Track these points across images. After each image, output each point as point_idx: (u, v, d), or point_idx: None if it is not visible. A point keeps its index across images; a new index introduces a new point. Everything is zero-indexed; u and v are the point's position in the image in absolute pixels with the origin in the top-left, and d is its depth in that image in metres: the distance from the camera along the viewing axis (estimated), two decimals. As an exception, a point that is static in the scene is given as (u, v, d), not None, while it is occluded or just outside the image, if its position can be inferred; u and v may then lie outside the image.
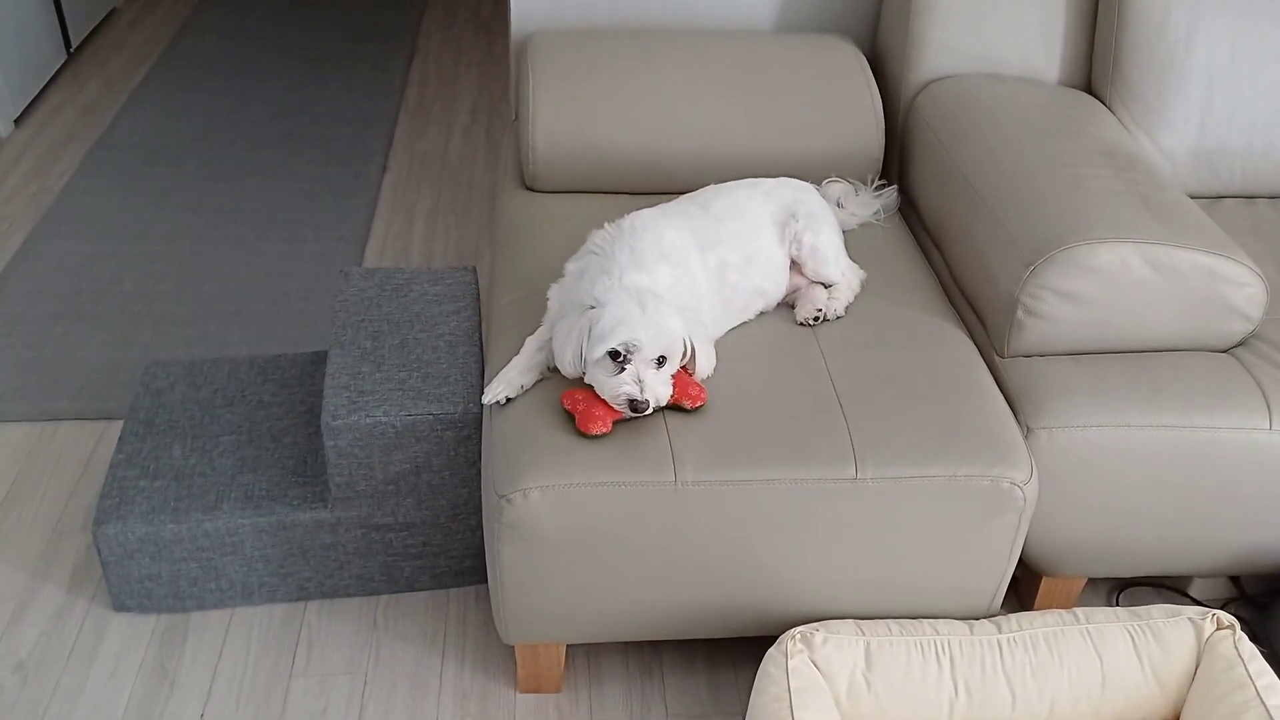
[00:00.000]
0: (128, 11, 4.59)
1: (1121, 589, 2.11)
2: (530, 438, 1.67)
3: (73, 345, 2.66)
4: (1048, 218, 1.86)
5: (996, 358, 1.91)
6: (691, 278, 1.80)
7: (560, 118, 2.25)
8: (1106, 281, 1.80)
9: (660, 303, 1.67)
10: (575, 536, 1.66)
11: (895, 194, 2.28)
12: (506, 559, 1.68)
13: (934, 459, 1.67)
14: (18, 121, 3.64)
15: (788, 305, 1.97)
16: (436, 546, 2.02)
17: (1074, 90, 2.33)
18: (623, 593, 1.73)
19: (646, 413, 1.64)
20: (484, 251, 3.07)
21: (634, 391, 1.62)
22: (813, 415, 1.72)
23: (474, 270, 2.27)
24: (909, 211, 2.32)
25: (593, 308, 1.68)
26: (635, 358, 1.63)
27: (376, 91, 3.96)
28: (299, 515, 1.94)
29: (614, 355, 1.64)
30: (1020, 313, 1.84)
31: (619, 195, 2.28)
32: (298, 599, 2.04)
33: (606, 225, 1.85)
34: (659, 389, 1.65)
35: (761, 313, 1.95)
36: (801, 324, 1.91)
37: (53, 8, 3.91)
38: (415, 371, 1.96)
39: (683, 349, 1.69)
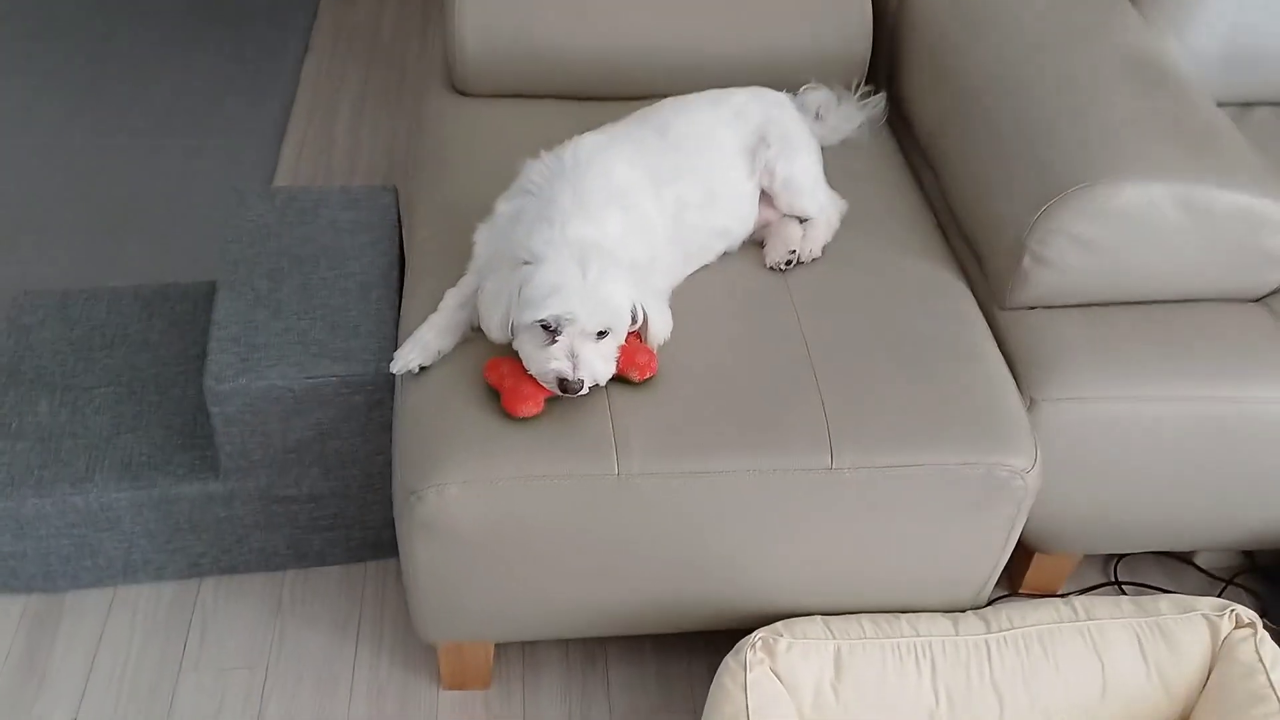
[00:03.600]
0: None
1: (1120, 558, 1.91)
2: (447, 419, 1.40)
3: (-66, 263, 2.33)
4: (1063, 147, 1.57)
5: (996, 310, 1.64)
6: (645, 223, 1.51)
7: (494, 6, 1.90)
8: (1129, 226, 1.53)
9: (607, 263, 1.38)
10: (500, 535, 1.40)
11: (883, 104, 1.97)
12: (421, 558, 1.43)
13: (923, 444, 1.42)
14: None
15: (755, 243, 1.69)
16: (350, 518, 1.76)
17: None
18: (558, 591, 1.49)
19: (582, 393, 1.37)
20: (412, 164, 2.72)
21: (565, 369, 1.35)
22: (782, 389, 1.46)
23: (395, 192, 1.95)
24: (899, 124, 2.01)
25: (527, 263, 1.39)
26: (568, 330, 1.35)
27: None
28: (185, 487, 1.67)
29: (546, 326, 1.36)
30: (1027, 260, 1.56)
31: (563, 101, 1.95)
32: (190, 576, 1.78)
33: (544, 155, 1.54)
34: (597, 366, 1.37)
35: (725, 253, 1.66)
36: (771, 269, 1.63)
37: None
38: (319, 320, 1.67)
39: (630, 319, 1.41)
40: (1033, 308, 1.63)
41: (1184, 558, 1.92)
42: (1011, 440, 1.44)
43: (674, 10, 1.93)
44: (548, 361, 1.35)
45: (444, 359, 1.47)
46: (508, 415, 1.38)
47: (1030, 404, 1.53)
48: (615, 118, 1.70)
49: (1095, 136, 1.57)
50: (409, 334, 1.49)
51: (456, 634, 1.56)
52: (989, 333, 1.59)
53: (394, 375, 1.50)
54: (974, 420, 1.45)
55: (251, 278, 1.73)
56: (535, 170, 1.52)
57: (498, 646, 1.69)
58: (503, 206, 1.52)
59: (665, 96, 1.77)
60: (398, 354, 1.46)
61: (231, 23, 3.15)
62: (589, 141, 1.55)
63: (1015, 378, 1.54)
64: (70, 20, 3.11)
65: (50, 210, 2.46)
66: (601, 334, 1.38)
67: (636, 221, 1.49)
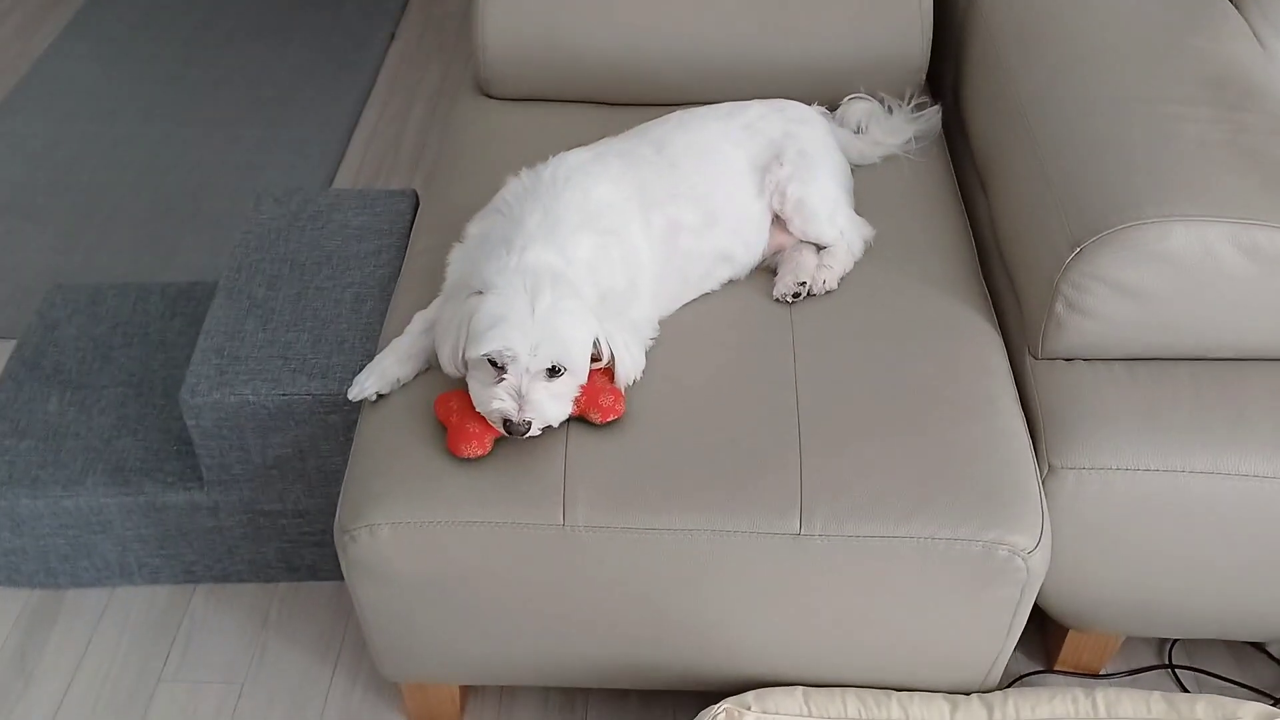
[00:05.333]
0: None
1: (1175, 640, 1.69)
2: (390, 455, 1.32)
3: (11, 247, 2.39)
4: (1108, 178, 1.37)
5: (1029, 358, 1.46)
6: (626, 247, 1.39)
7: (520, 4, 1.80)
8: (1180, 272, 1.32)
9: (562, 294, 1.27)
10: (437, 580, 1.32)
11: (937, 116, 1.78)
12: (362, 596, 1.35)
13: (906, 513, 1.26)
14: (11, -27, 3.33)
15: (769, 270, 1.55)
16: (339, 534, 1.71)
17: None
18: (510, 640, 1.40)
19: (531, 435, 1.27)
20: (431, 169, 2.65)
21: (509, 409, 1.24)
22: (759, 440, 1.32)
23: (414, 196, 1.89)
24: (958, 137, 1.82)
25: (479, 292, 1.30)
26: (513, 368, 1.25)
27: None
28: (171, 496, 1.65)
29: (493, 361, 1.26)
30: (1059, 306, 1.37)
31: (590, 106, 1.84)
32: (185, 581, 1.76)
33: (524, 172, 1.44)
34: (547, 407, 1.26)
35: (730, 280, 1.53)
36: (778, 300, 1.49)
37: None
38: (306, 332, 1.62)
39: (590, 356, 1.30)
40: (1068, 359, 1.43)
41: (1255, 644, 1.68)
42: (1014, 514, 1.26)
43: (710, 11, 1.79)
44: (491, 400, 1.26)
45: (405, 387, 1.39)
46: (451, 455, 1.29)
47: (1049, 470, 1.34)
48: (641, 122, 1.59)
49: (1147, 166, 1.36)
50: (377, 356, 1.41)
51: (415, 674, 1.49)
52: (1011, 385, 1.41)
53: (363, 398, 1.43)
54: (972, 488, 1.28)
55: (251, 284, 1.69)
56: (510, 189, 1.42)
57: (470, 687, 1.62)
58: (473, 228, 1.42)
59: (698, 103, 1.65)
60: (355, 380, 1.39)
61: (324, 9, 3.15)
62: (573, 158, 1.44)
63: (1037, 439, 1.36)
64: (176, 5, 3.17)
65: (122, 199, 2.50)
66: (555, 371, 1.27)
67: (612, 246, 1.37)
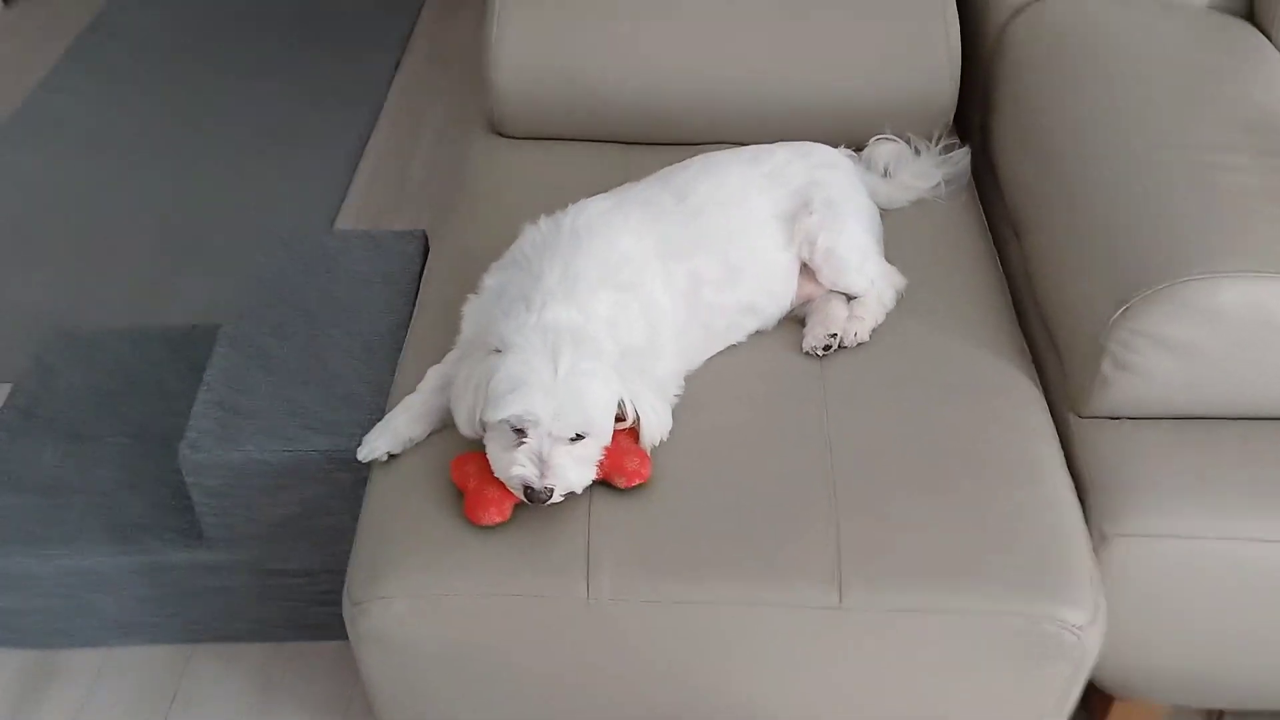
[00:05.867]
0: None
1: (1224, 712, 1.61)
2: (403, 522, 1.25)
3: (4, 284, 2.32)
4: (1152, 232, 1.32)
5: (1073, 417, 1.39)
6: (647, 303, 1.33)
7: (535, 39, 1.75)
8: (1231, 329, 1.26)
9: (584, 354, 1.21)
10: (452, 654, 1.25)
11: (966, 158, 1.72)
12: (372, 670, 1.28)
13: (953, 584, 1.19)
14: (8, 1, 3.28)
15: (797, 320, 1.48)
16: (347, 593, 1.64)
17: (1230, 18, 1.71)
18: (528, 716, 1.33)
19: (552, 502, 1.20)
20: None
21: (530, 476, 1.18)
22: (793, 504, 1.25)
23: (423, 237, 1.83)
24: (988, 180, 1.77)
25: (497, 351, 1.24)
26: (534, 432, 1.19)
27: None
28: (172, 555, 1.58)
29: (513, 425, 1.20)
30: (1106, 365, 1.31)
31: (606, 145, 1.78)
32: (186, 640, 1.69)
33: (542, 221, 1.38)
34: (570, 474, 1.20)
35: (758, 331, 1.46)
36: (808, 354, 1.43)
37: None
38: (314, 384, 1.55)
39: (612, 420, 1.23)
40: (1115, 418, 1.37)
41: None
42: (1067, 587, 1.20)
43: (733, 48, 1.73)
44: (511, 466, 1.19)
45: (419, 447, 1.33)
46: (469, 523, 1.23)
47: (1101, 539, 1.27)
48: (661, 164, 1.54)
49: (1190, 218, 1.30)
50: (388, 413, 1.35)
51: (427, 747, 1.42)
52: (1056, 445, 1.34)
53: (374, 456, 1.36)
54: (1021, 558, 1.21)
55: (258, 331, 1.63)
56: (529, 239, 1.36)
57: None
58: (489, 281, 1.36)
59: (720, 144, 1.60)
60: (365, 439, 1.32)
61: (332, 32, 3.10)
62: (593, 207, 1.38)
63: (1085, 504, 1.30)
64: (176, 37, 3.12)
65: (121, 236, 2.44)
66: (578, 436, 1.21)
67: (631, 303, 1.31)
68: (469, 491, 1.24)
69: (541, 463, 1.19)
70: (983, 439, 1.32)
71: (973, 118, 1.83)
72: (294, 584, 1.62)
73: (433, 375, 1.35)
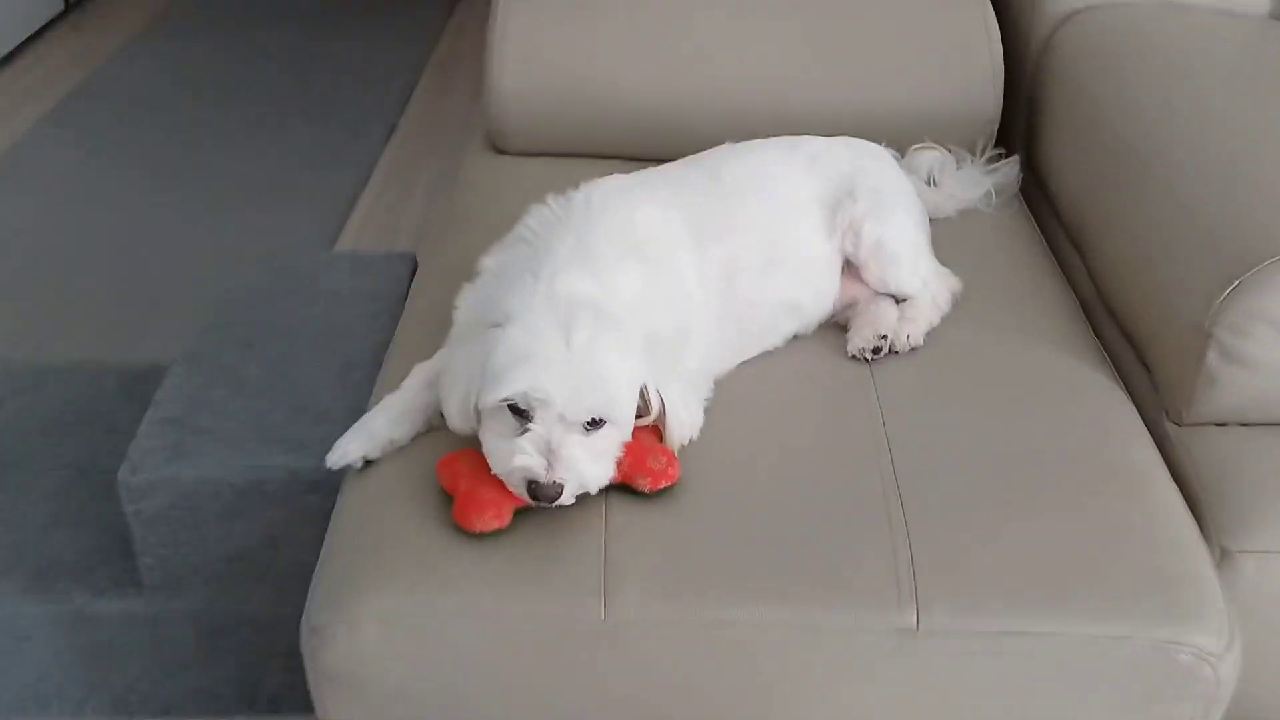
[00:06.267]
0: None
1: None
2: (378, 532, 1.03)
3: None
4: (1255, 206, 1.15)
5: (1170, 426, 1.19)
6: (676, 285, 1.14)
7: (538, 47, 1.60)
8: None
9: (604, 328, 1.01)
10: (441, 694, 1.01)
11: (1016, 168, 1.57)
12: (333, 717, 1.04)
13: (1057, 604, 0.97)
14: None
15: (838, 326, 1.29)
16: (311, 654, 1.40)
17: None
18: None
19: (561, 503, 0.99)
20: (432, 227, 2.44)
21: (535, 468, 0.97)
22: (850, 512, 1.04)
23: (413, 260, 1.65)
24: (1037, 197, 1.60)
25: (498, 325, 1.04)
26: (542, 416, 0.98)
27: (406, 40, 3.38)
28: (103, 604, 1.34)
29: (516, 408, 0.99)
30: (1212, 356, 1.12)
31: (613, 161, 1.60)
32: (115, 715, 1.43)
33: (550, 199, 1.19)
34: (584, 468, 0.99)
35: (796, 336, 1.27)
36: (854, 358, 1.23)
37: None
38: (284, 401, 1.35)
39: (635, 405, 1.03)
40: (1222, 424, 1.17)
41: None
42: (1192, 606, 0.98)
43: (755, 52, 1.59)
44: (512, 456, 0.98)
45: (400, 452, 1.11)
46: (460, 529, 1.01)
47: (1222, 556, 1.06)
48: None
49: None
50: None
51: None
52: (1155, 452, 1.14)
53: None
54: (1133, 574, 1.00)
55: (221, 348, 1.43)
56: (535, 216, 1.17)
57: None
58: (489, 261, 1.17)
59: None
60: (338, 443, 1.11)
61: (326, 102, 3.00)
62: (611, 184, 1.20)
63: (1201, 519, 1.08)
64: (166, 101, 3.01)
65: (86, 284, 2.25)
66: (594, 424, 1.00)
67: (662, 279, 1.12)
68: (460, 494, 1.02)
69: (550, 453, 0.98)
70: (1068, 444, 1.12)
71: (1015, 131, 1.68)
72: (247, 641, 1.37)
73: (419, 371, 1.15)
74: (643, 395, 1.05)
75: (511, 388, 0.98)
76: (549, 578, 0.98)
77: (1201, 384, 1.14)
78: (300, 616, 1.35)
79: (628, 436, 1.03)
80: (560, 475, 0.97)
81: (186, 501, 1.26)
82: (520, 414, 0.99)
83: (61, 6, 3.54)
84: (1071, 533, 1.03)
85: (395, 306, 1.52)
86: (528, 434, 0.98)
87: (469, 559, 0.99)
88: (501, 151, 1.66)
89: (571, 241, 1.10)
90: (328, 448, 1.24)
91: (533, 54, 1.60)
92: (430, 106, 3.06)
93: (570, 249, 1.09)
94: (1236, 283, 1.09)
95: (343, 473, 1.12)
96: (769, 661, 0.98)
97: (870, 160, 1.35)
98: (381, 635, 0.97)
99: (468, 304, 1.17)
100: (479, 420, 1.03)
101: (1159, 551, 1.02)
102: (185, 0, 3.71)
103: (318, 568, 1.04)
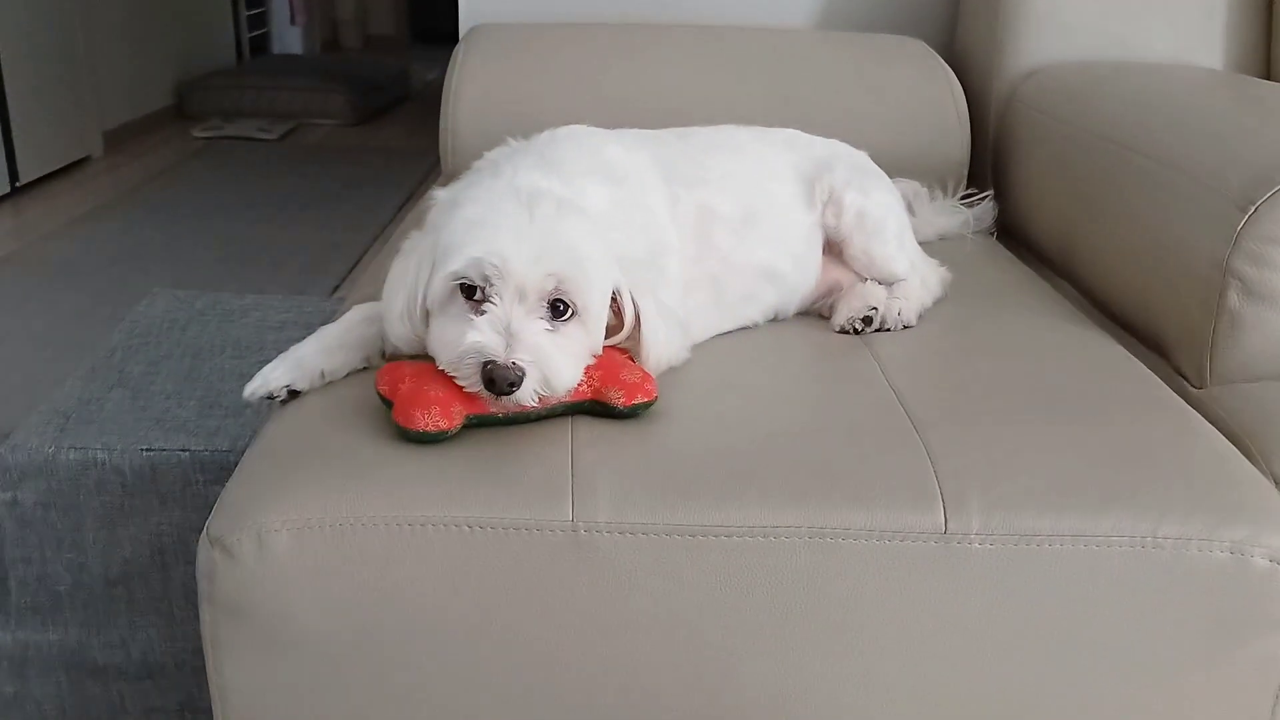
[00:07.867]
0: (104, 160, 4.14)
1: None
2: (299, 448, 0.86)
3: None
4: (1259, 134, 1.10)
5: (1191, 389, 1.07)
6: (647, 212, 1.04)
7: (495, 82, 1.57)
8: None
9: (570, 210, 0.90)
10: (367, 629, 0.80)
11: (991, 205, 1.51)
12: (229, 666, 0.82)
13: (1109, 500, 0.82)
14: None
15: (821, 316, 1.18)
16: (208, 708, 1.16)
17: (1253, 80, 1.59)
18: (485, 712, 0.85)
19: (520, 395, 0.83)
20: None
21: (491, 345, 0.82)
22: (857, 425, 0.89)
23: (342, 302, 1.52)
24: (1012, 245, 1.54)
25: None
26: (500, 290, 0.84)
27: (356, 229, 3.37)
28: (-44, 633, 1.11)
29: (468, 290, 0.85)
30: (1234, 294, 1.02)
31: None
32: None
33: (510, 138, 1.10)
34: (549, 356, 0.84)
35: (776, 316, 1.15)
36: (843, 330, 1.11)
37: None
38: (193, 400, 1.18)
39: (607, 294, 0.90)
40: (1252, 380, 1.05)
41: None
42: (1266, 508, 0.83)
43: (718, 96, 1.56)
44: (466, 334, 0.83)
45: (332, 386, 0.95)
46: (401, 432, 0.84)
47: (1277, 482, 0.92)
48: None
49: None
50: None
51: None
52: (1185, 406, 1.01)
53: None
54: (1190, 475, 0.85)
55: (126, 363, 1.27)
56: (494, 152, 1.07)
57: None
58: (442, 193, 1.05)
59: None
60: (260, 371, 0.95)
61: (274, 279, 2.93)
62: (576, 126, 1.11)
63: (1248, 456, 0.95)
64: (108, 271, 2.91)
65: None
66: (559, 313, 0.86)
67: (635, 209, 1.01)
68: (401, 395, 0.86)
69: (509, 334, 0.83)
70: (1091, 383, 1.00)
71: (985, 183, 1.64)
72: (125, 690, 1.13)
73: (358, 309, 1.01)
74: (615, 305, 0.92)
75: (467, 253, 0.84)
76: (507, 480, 0.81)
77: (1223, 329, 1.03)
78: (195, 662, 1.14)
79: (598, 338, 0.89)
80: (520, 355, 0.82)
81: (68, 490, 1.06)
82: (475, 300, 0.85)
83: (8, 188, 3.53)
84: (1109, 440, 0.89)
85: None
86: (485, 315, 0.84)
87: (411, 465, 0.82)
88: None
89: (534, 160, 1.00)
90: (238, 435, 1.09)
91: (490, 88, 1.56)
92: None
93: (533, 161, 0.99)
94: (1254, 208, 1.01)
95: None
96: (767, 579, 0.80)
97: (847, 150, 1.28)
98: (298, 548, 0.78)
99: (416, 236, 1.04)
100: (426, 325, 0.89)
101: (1210, 459, 0.88)
102: (141, 194, 3.71)
103: (225, 490, 0.85)
